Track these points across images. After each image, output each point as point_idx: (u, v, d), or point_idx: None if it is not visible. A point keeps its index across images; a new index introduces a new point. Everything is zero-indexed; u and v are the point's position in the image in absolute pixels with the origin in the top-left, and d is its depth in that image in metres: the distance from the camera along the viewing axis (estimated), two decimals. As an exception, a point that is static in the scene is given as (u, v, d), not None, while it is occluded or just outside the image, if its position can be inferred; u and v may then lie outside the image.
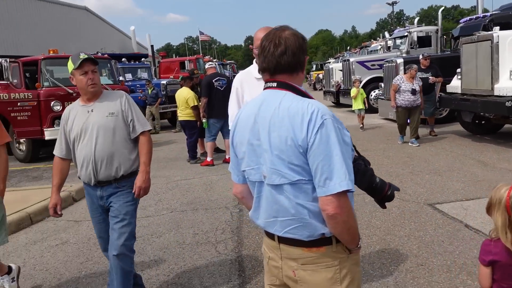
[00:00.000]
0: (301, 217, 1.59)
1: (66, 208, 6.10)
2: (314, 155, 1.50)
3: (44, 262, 4.35)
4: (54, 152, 3.18)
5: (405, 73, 9.16)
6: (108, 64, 11.52)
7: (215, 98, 8.21)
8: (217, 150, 9.17)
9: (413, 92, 8.60)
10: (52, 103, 9.74)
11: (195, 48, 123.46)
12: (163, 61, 22.38)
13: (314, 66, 50.28)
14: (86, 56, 2.94)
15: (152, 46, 21.66)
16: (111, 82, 11.26)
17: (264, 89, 1.72)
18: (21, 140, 10.17)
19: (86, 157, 2.95)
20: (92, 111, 2.98)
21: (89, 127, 2.93)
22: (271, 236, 1.73)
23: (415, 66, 8.79)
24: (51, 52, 10.44)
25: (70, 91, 9.98)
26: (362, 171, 1.67)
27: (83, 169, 3.00)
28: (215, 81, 8.33)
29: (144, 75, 16.91)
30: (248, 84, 2.84)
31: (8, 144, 9.85)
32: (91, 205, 3.16)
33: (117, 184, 3.01)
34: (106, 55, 11.70)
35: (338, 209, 1.49)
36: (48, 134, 9.69)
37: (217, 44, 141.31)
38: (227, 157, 8.59)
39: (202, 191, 6.57)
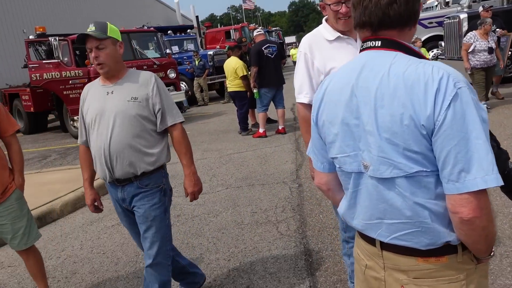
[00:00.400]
0: (420, 221, 1.18)
1: (120, 186, 6.02)
2: (444, 138, 1.08)
3: (101, 244, 4.24)
4: (78, 141, 2.73)
5: (477, 29, 8.23)
6: (155, 37, 11.32)
7: (265, 66, 7.79)
8: (268, 121, 8.81)
9: (490, 50, 7.71)
10: (102, 79, 9.71)
11: (238, 17, 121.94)
12: (208, 32, 22.03)
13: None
14: (88, 31, 2.37)
15: (197, 17, 21.29)
16: (158, 55, 11.09)
17: (362, 50, 1.31)
18: (75, 117, 10.27)
19: (100, 149, 2.45)
20: (112, 93, 2.46)
21: (105, 112, 2.43)
22: (370, 240, 1.35)
23: (489, 20, 7.84)
24: (99, 28, 10.34)
25: (119, 66, 9.91)
26: (495, 154, 1.24)
27: (97, 163, 2.53)
28: (265, 48, 7.88)
29: (191, 46, 16.67)
30: (318, 48, 2.40)
31: (63, 122, 10.01)
32: (115, 207, 2.70)
33: (139, 184, 2.50)
34: (152, 28, 11.48)
35: (478, 212, 1.08)
36: (100, 111, 9.71)
37: (261, 11, 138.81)
38: (280, 127, 8.22)
39: (257, 165, 6.26)
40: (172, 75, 11.01)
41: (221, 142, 8.17)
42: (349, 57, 2.44)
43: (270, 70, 7.79)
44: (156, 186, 2.55)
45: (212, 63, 15.53)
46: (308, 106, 2.43)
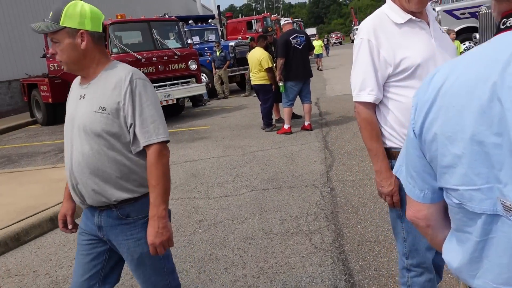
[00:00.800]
0: None
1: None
2: None
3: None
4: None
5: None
6: (176, 27, 10.94)
7: (293, 58, 7.34)
8: (293, 116, 8.39)
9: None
10: (121, 70, 9.38)
11: (258, 8, 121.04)
12: (229, 22, 21.58)
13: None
14: (39, 23, 1.86)
15: (218, 6, 20.84)
16: (180, 46, 10.71)
17: (503, 30, 0.87)
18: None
19: (67, 168, 1.91)
20: (83, 97, 1.88)
21: (75, 122, 1.86)
22: None
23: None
24: (119, 17, 10.01)
25: (139, 56, 9.56)
26: None
27: (68, 183, 1.95)
28: (293, 38, 7.41)
29: (212, 37, 16.27)
30: (385, 34, 1.94)
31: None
32: (84, 225, 2.00)
33: (119, 213, 1.88)
34: (173, 17, 11.11)
35: None
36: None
37: (281, 2, 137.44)
38: (306, 123, 7.77)
39: (283, 165, 5.84)
40: (193, 66, 10.63)
41: (243, 139, 7.76)
42: (423, 45, 1.99)
43: (298, 62, 7.33)
44: (141, 217, 1.90)
45: (233, 55, 15.11)
46: (372, 105, 2.00)
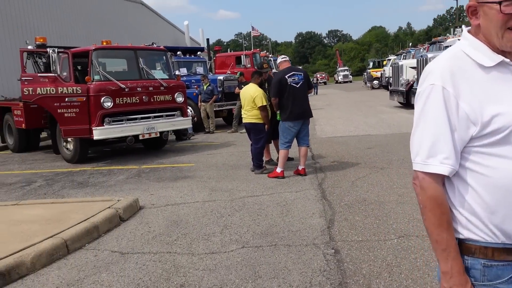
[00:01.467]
0: None
1: (111, 230, 4.94)
2: None
3: (77, 325, 3.14)
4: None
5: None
6: (164, 57, 10.42)
7: (289, 98, 6.85)
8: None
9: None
10: (103, 99, 8.74)
11: (245, 45, 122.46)
12: (218, 56, 21.29)
13: (371, 64, 47.81)
14: None
15: (207, 39, 20.57)
16: (166, 77, 10.16)
17: None
18: (69, 139, 9.26)
19: None
20: None
21: None
22: None
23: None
24: (104, 43, 9.45)
25: (122, 86, 8.96)
26: None
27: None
28: (289, 76, 6.94)
29: (200, 70, 15.84)
30: (467, 80, 1.37)
31: (55, 142, 8.99)
32: None
33: None
34: (161, 47, 10.62)
35: None
36: (97, 134, 8.71)
37: (268, 40, 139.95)
38: (299, 168, 7.20)
39: (277, 216, 5.20)
40: (180, 99, 10.06)
41: (231, 181, 7.12)
42: None
43: (295, 101, 6.84)
44: None
45: (221, 89, 14.66)
46: (442, 178, 1.43)
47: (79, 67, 10.47)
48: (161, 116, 9.77)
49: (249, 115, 7.32)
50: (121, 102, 8.99)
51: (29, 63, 10.86)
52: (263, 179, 7.09)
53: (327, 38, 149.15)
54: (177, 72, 10.67)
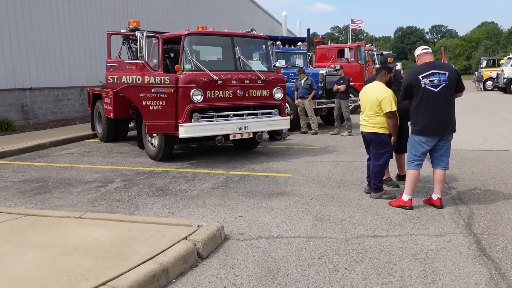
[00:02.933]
0: None
1: (184, 275, 3.65)
2: None
3: None
4: None
5: None
6: (263, 46, 9.06)
7: (424, 104, 5.09)
8: (399, 178, 6.17)
9: None
10: (192, 91, 7.61)
11: (341, 39, 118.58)
12: (318, 48, 19.59)
13: (484, 62, 42.67)
14: None
15: (308, 29, 18.89)
16: (265, 69, 8.80)
17: None
18: (154, 134, 8.31)
19: None
20: None
21: None
22: None
23: None
24: (199, 28, 8.32)
25: (215, 77, 7.76)
26: None
27: None
28: (424, 76, 5.13)
29: (299, 62, 14.32)
30: None
31: (140, 136, 8.03)
32: None
33: None
34: (263, 34, 9.27)
35: None
36: (183, 131, 7.61)
37: (364, 34, 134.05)
38: (434, 197, 5.40)
39: (419, 280, 3.52)
40: (279, 95, 8.66)
41: (341, 206, 5.54)
42: None
43: (432, 111, 5.06)
44: None
45: (322, 84, 13.03)
46: None
47: (171, 55, 9.50)
48: (256, 114, 8.43)
49: (372, 123, 5.63)
50: (212, 96, 7.79)
51: (124, 49, 10.18)
52: (384, 208, 5.40)
53: (429, 34, 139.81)
54: (277, 64, 9.21)
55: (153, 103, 7.52)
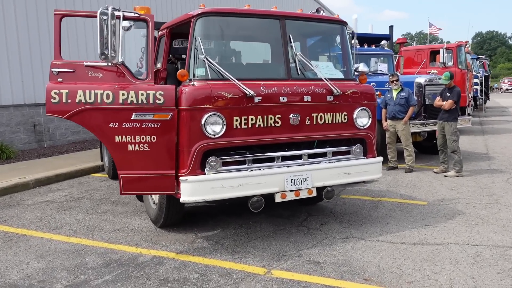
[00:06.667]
0: None
1: None
2: None
3: None
4: None
5: None
6: (338, 37, 5.35)
7: None
8: None
9: None
10: (205, 117, 4.14)
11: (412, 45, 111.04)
12: (404, 49, 15.43)
13: None
14: None
15: (391, 27, 14.92)
16: (340, 75, 5.15)
17: None
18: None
19: None
20: None
21: None
22: None
23: None
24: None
25: (249, 91, 4.23)
26: None
27: None
28: None
29: (383, 67, 10.43)
30: None
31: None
32: None
33: None
34: (337, 17, 5.58)
35: None
36: (188, 190, 4.12)
37: (438, 41, 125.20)
38: None
39: None
40: (364, 120, 4.94)
41: None
42: None
43: None
44: None
45: (420, 98, 9.06)
46: None
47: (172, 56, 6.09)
48: (324, 154, 4.77)
49: None
50: (243, 126, 4.26)
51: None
52: None
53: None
54: (360, 68, 5.39)
55: (134, 139, 4.10)
